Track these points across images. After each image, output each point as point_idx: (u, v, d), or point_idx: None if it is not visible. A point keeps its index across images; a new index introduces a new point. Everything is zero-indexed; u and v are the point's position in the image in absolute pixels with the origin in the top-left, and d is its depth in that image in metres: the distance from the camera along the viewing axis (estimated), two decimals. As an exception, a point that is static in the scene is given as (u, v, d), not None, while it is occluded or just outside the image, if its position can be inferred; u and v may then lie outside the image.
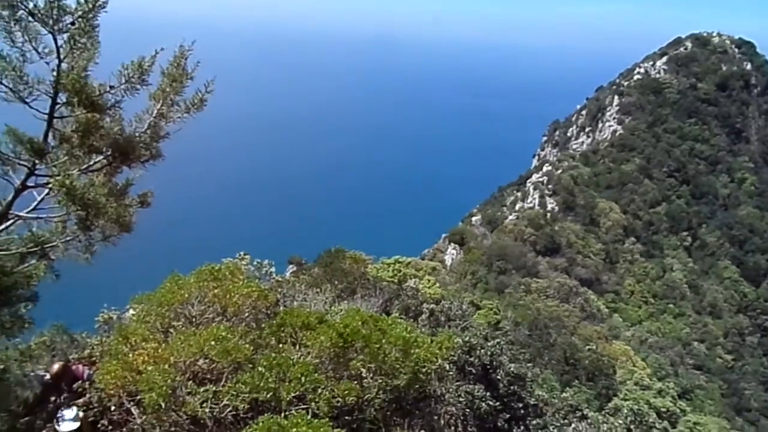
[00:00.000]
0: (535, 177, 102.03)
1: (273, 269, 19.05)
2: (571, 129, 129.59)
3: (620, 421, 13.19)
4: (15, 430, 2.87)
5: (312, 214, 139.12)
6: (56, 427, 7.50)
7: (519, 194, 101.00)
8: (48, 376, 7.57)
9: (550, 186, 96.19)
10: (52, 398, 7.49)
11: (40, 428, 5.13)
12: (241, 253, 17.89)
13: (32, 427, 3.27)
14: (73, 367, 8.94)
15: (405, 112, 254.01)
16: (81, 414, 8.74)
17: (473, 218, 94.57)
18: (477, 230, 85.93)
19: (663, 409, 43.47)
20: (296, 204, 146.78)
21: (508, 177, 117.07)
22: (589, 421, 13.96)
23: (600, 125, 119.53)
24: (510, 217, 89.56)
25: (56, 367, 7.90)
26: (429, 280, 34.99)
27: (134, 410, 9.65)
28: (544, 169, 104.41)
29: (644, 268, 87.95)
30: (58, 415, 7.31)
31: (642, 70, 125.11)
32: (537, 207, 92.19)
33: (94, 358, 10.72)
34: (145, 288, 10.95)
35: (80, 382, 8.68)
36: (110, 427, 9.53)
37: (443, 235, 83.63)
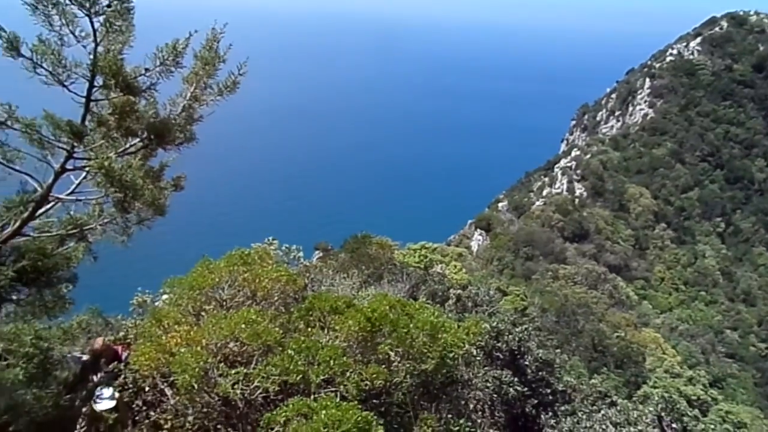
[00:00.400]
0: (563, 162, 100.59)
1: (301, 254, 19.22)
2: (600, 113, 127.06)
3: (651, 409, 13.04)
4: (58, 407, 2.95)
5: (339, 200, 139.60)
6: (94, 405, 7.73)
7: (546, 180, 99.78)
8: (86, 357, 7.79)
9: (578, 171, 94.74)
10: (90, 378, 7.71)
11: (80, 407, 5.28)
12: (270, 238, 18.07)
13: (72, 405, 3.37)
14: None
15: (433, 98, 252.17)
16: (117, 394, 9.00)
17: (500, 204, 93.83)
18: (503, 216, 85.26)
19: (693, 398, 42.80)
20: (323, 190, 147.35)
21: (536, 162, 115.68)
22: (618, 408, 13.81)
23: (630, 109, 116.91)
24: (537, 203, 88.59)
25: (98, 343, 8.10)
26: (455, 266, 34.90)
27: (168, 391, 9.89)
28: (573, 154, 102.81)
29: (675, 254, 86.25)
30: (96, 393, 7.53)
31: (675, 52, 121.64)
32: (565, 192, 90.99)
33: (128, 340, 11.00)
34: (177, 272, 11.16)
35: (116, 363, 8.92)
36: (144, 408, 9.79)
37: (469, 221, 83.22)
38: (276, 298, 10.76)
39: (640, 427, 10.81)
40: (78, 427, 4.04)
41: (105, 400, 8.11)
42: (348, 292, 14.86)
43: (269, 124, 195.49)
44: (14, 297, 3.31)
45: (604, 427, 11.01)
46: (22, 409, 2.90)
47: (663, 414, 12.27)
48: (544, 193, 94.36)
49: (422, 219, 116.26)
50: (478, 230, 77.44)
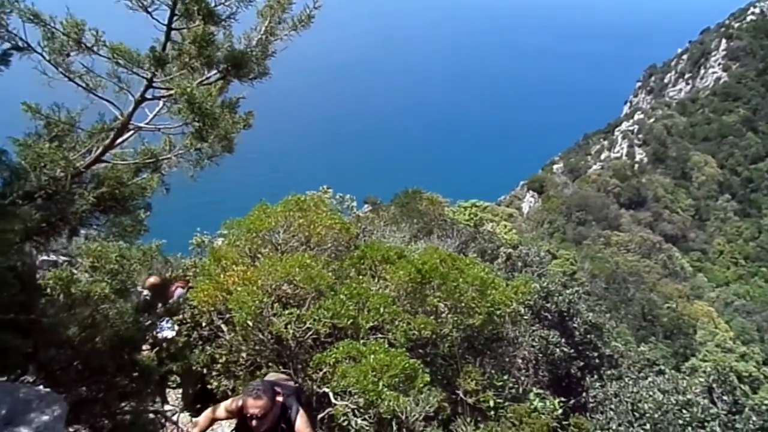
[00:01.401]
0: (624, 125, 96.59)
1: (354, 204, 19.38)
2: (668, 75, 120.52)
3: (701, 379, 12.79)
4: (137, 323, 3.15)
5: (390, 154, 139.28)
6: (156, 334, 8.20)
7: (606, 143, 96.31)
8: (145, 291, 8.18)
9: (640, 135, 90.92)
10: (152, 310, 8.11)
11: (145, 333, 5.57)
12: (324, 186, 18.26)
13: (145, 327, 3.63)
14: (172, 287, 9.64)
15: (491, 54, 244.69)
16: (176, 327, 9.48)
17: (555, 166, 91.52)
18: (558, 178, 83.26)
19: (745, 374, 41.65)
20: (375, 144, 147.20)
21: (596, 124, 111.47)
22: (666, 376, 13.60)
23: (702, 71, 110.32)
24: (594, 167, 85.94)
25: (152, 279, 8.48)
26: (505, 226, 34.52)
27: (223, 327, 10.35)
28: (636, 117, 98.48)
29: (737, 227, 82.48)
30: (159, 322, 7.96)
31: (757, 10, 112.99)
32: (624, 157, 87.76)
33: (188, 278, 11.50)
34: (235, 215, 11.50)
35: (175, 298, 9.34)
36: (201, 342, 10.29)
37: (521, 182, 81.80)
38: (329, 245, 10.96)
39: (689, 396, 10.63)
40: (144, 349, 4.36)
41: (167, 330, 8.57)
42: (398, 244, 14.98)
43: (328, 78, 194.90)
44: (93, 223, 3.47)
45: (651, 393, 10.87)
46: (106, 322, 3.10)
47: (715, 386, 12.00)
48: (602, 156, 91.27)
49: (474, 178, 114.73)
50: (531, 192, 76.08)
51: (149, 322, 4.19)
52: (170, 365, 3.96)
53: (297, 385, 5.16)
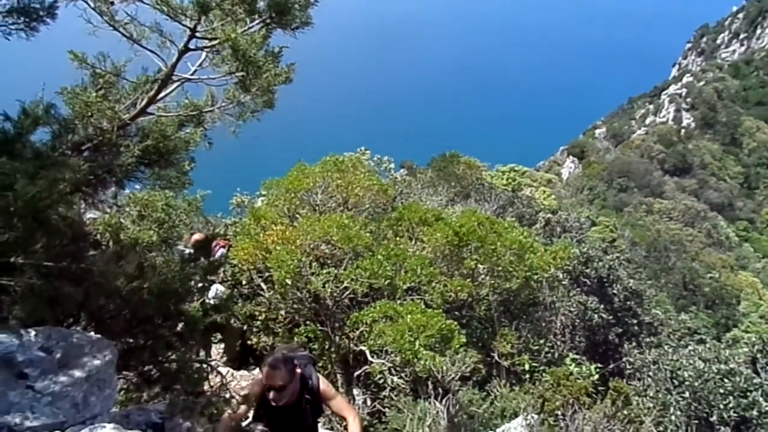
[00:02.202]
0: (672, 88, 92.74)
1: (392, 166, 19.28)
2: (722, 35, 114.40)
3: (745, 349, 12.48)
4: (183, 272, 3.22)
5: (429, 118, 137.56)
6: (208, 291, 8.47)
7: (651, 107, 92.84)
8: (188, 250, 8.35)
9: (688, 99, 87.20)
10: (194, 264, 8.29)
11: (188, 288, 5.69)
12: (362, 148, 18.18)
13: (190, 276, 3.71)
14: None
15: (533, 13, 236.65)
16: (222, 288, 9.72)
17: (597, 131, 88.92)
18: (600, 144, 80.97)
19: (789, 347, 40.48)
20: (414, 107, 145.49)
21: (642, 87, 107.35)
22: (708, 345, 13.32)
23: (759, 31, 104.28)
24: (638, 132, 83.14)
25: (196, 236, 8.65)
26: (544, 191, 33.92)
27: (263, 286, 10.56)
28: (684, 80, 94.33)
29: (789, 196, 79.14)
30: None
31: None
32: (670, 122, 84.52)
33: (228, 237, 11.72)
34: (273, 176, 11.58)
35: (216, 258, 9.54)
36: (240, 300, 10.55)
37: (561, 147, 79.88)
38: (367, 206, 10.98)
39: (731, 365, 10.39)
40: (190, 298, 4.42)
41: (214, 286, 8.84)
42: (435, 207, 14.89)
43: (368, 41, 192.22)
44: (138, 176, 3.52)
45: (691, 361, 10.67)
46: (154, 270, 3.18)
47: (759, 356, 11.70)
48: (647, 121, 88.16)
49: (513, 143, 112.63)
50: (571, 157, 74.30)
51: (197, 277, 4.26)
52: (215, 317, 4.04)
53: (310, 354, 5.10)
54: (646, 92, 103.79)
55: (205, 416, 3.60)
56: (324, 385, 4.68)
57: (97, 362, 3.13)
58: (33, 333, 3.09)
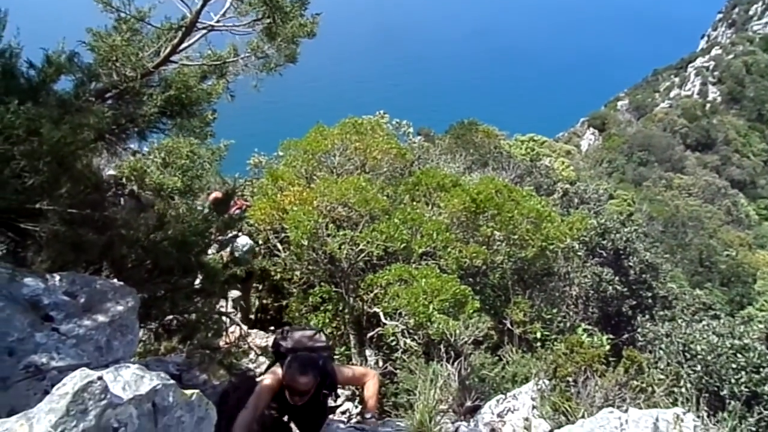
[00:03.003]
0: (699, 61, 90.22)
1: (411, 129, 19.07)
2: (755, 6, 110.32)
3: (761, 326, 12.40)
4: (206, 221, 3.24)
5: (446, 84, 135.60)
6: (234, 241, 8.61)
7: (677, 80, 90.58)
8: (206, 209, 8.41)
9: (715, 73, 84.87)
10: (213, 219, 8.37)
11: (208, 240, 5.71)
12: (381, 111, 17.99)
13: (211, 228, 3.72)
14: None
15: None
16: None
17: (619, 103, 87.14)
18: (621, 116, 79.47)
19: (804, 326, 40.17)
20: (432, 73, 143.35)
21: (667, 59, 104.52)
22: (722, 321, 13.25)
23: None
24: (662, 105, 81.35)
25: (215, 194, 8.70)
26: (563, 162, 33.49)
27: (279, 246, 10.64)
28: (713, 52, 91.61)
29: (814, 175, 77.42)
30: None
31: None
32: (696, 96, 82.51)
33: (245, 197, 11.77)
34: (292, 136, 11.54)
35: (233, 211, 9.60)
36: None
37: (582, 119, 78.54)
38: (384, 170, 10.93)
39: (745, 341, 10.34)
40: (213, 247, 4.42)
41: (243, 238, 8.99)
42: (452, 173, 14.79)
43: (386, 2, 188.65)
44: (160, 127, 3.51)
45: (705, 335, 10.63)
46: (177, 218, 3.20)
47: (773, 333, 11.64)
48: (672, 94, 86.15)
49: (532, 112, 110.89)
50: (591, 129, 73.12)
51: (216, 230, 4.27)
52: (234, 269, 4.07)
53: (327, 342, 5.02)
54: (672, 64, 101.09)
55: (223, 366, 3.66)
56: (340, 375, 4.72)
57: (120, 308, 3.17)
58: (58, 278, 3.14)
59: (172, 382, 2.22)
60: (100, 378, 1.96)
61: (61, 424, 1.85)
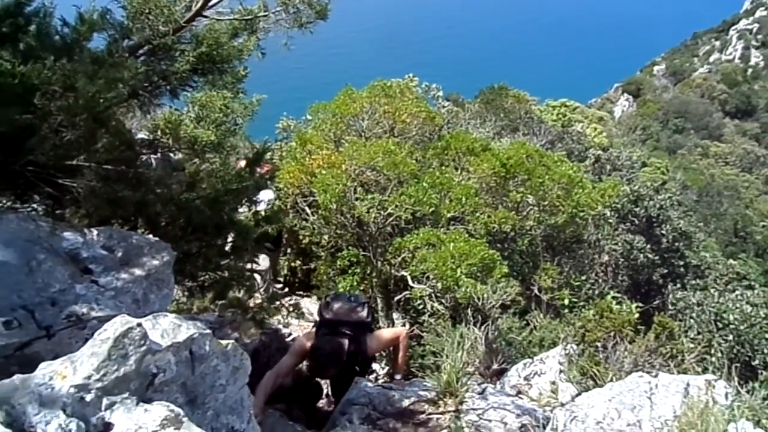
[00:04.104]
0: (742, 24, 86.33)
1: (440, 93, 18.78)
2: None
3: (798, 295, 12.11)
4: (239, 177, 3.27)
5: (476, 49, 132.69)
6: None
7: (717, 43, 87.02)
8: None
9: (759, 36, 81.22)
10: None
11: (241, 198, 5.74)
12: (410, 75, 17.73)
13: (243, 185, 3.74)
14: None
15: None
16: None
17: (655, 68, 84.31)
18: (657, 81, 76.98)
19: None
20: (462, 38, 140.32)
21: (709, 22, 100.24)
22: (756, 291, 12.98)
23: None
24: (700, 70, 78.49)
25: (243, 163, 8.75)
26: (595, 128, 32.70)
27: (307, 210, 10.70)
28: (757, 14, 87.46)
29: None
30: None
31: None
32: (737, 61, 79.31)
33: (274, 160, 11.81)
34: (320, 99, 11.47)
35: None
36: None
37: (616, 84, 76.34)
38: (413, 133, 10.83)
39: (781, 311, 10.14)
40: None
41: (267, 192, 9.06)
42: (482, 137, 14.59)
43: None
44: (191, 85, 3.51)
45: (738, 305, 10.44)
46: (211, 173, 3.24)
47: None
48: (711, 59, 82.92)
49: (564, 77, 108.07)
50: (625, 95, 71.10)
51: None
52: (266, 227, 4.11)
53: (369, 315, 4.89)
54: (713, 27, 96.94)
55: (255, 324, 3.73)
56: (374, 346, 4.79)
57: (155, 262, 3.23)
58: (95, 232, 3.20)
59: (208, 331, 2.27)
60: (139, 325, 2.01)
61: (103, 368, 1.91)
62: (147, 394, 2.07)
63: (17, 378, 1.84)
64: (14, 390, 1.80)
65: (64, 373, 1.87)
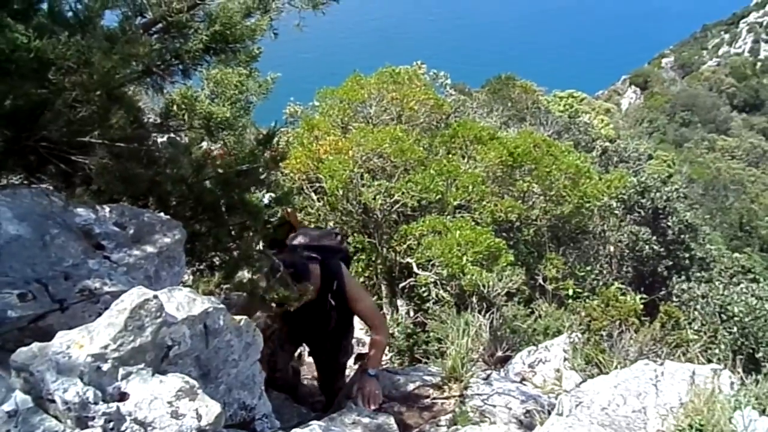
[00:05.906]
0: (753, 16, 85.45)
1: (448, 81, 18.70)
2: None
3: (804, 289, 12.10)
4: (253, 155, 3.26)
5: (483, 40, 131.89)
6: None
7: (727, 36, 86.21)
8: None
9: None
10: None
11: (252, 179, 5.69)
12: (419, 61, 17.64)
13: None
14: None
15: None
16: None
17: (664, 60, 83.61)
18: (665, 74, 76.40)
19: None
20: (469, 29, 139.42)
21: (718, 14, 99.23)
22: (761, 284, 12.97)
23: None
24: (709, 63, 77.85)
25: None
26: (602, 120, 32.54)
27: (313, 196, 10.72)
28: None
29: None
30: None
31: None
32: (746, 54, 78.60)
33: (281, 147, 11.78)
34: (328, 84, 11.44)
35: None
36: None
37: (623, 77, 75.78)
38: (421, 121, 10.81)
39: (786, 304, 10.13)
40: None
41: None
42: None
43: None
44: (203, 64, 3.51)
45: (743, 298, 10.44)
46: (226, 148, 3.24)
47: (817, 296, 11.33)
48: (721, 52, 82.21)
49: (571, 68, 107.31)
50: (633, 87, 70.63)
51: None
52: (276, 208, 4.12)
53: (343, 245, 4.34)
54: (723, 19, 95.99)
55: (265, 302, 3.75)
56: (350, 285, 4.04)
57: (167, 240, 3.25)
58: (107, 209, 3.22)
59: (222, 306, 2.29)
60: (155, 297, 2.02)
61: (119, 338, 1.92)
62: (162, 366, 2.08)
63: (35, 346, 1.86)
64: (33, 357, 1.82)
65: (81, 342, 1.89)
